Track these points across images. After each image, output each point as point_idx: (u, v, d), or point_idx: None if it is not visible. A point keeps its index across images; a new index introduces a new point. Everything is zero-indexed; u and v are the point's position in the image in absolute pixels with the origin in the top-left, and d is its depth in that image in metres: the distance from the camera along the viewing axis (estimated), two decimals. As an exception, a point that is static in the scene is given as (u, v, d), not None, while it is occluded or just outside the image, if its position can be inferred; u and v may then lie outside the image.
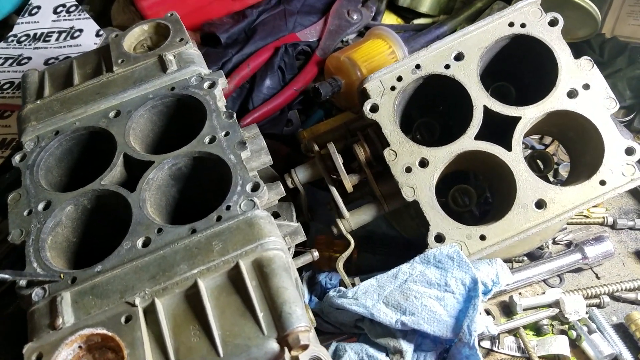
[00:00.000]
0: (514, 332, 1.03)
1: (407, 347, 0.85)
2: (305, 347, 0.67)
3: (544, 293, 1.08)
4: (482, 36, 0.95)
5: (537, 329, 1.03)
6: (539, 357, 0.98)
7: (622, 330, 1.01)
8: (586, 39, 1.38)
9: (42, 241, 0.81)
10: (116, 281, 0.73)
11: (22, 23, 1.50)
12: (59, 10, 1.51)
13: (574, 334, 1.00)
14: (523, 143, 1.19)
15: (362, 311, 0.87)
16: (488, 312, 1.03)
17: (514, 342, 1.02)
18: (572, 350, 0.99)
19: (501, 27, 0.95)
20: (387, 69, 0.96)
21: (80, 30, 1.46)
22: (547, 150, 1.22)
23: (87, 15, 1.49)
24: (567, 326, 1.03)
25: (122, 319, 0.69)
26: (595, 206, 1.19)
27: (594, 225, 1.18)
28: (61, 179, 0.97)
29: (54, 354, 0.67)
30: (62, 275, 0.75)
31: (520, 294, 1.08)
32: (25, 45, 1.46)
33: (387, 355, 0.86)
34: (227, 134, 0.89)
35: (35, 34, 1.48)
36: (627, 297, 1.05)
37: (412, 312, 0.83)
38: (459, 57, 0.95)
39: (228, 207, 0.80)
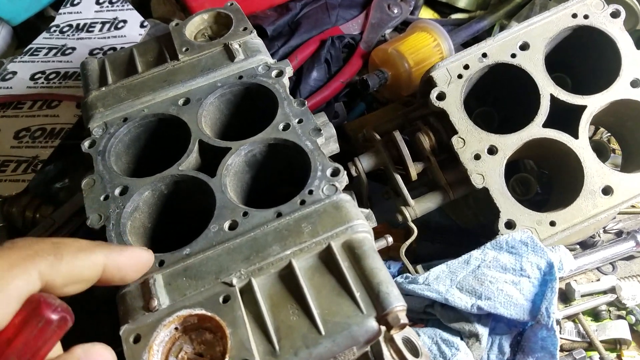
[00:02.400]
0: (572, 318, 1.05)
1: (483, 331, 0.86)
2: (404, 326, 0.67)
3: (598, 280, 1.10)
4: (546, 27, 0.97)
5: (595, 315, 1.05)
6: (600, 341, 1.00)
7: (679, 315, 1.04)
8: (626, 33, 1.40)
9: (123, 225, 0.81)
10: (209, 262, 0.74)
11: (64, 13, 1.50)
12: (101, 1, 1.51)
13: (632, 318, 1.02)
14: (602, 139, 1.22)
15: (435, 296, 0.88)
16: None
17: (574, 328, 1.04)
18: (633, 335, 1.01)
19: (565, 18, 0.97)
20: (454, 58, 0.97)
21: (124, 21, 1.46)
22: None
23: (131, 7, 1.49)
24: (624, 312, 1.05)
25: (220, 299, 0.69)
26: (642, 196, 1.22)
27: (643, 215, 1.20)
28: (129, 166, 0.97)
29: (152, 335, 0.67)
30: (150, 258, 0.75)
31: (575, 281, 1.10)
32: (68, 35, 1.46)
33: (461, 339, 0.87)
34: (300, 121, 0.90)
35: (78, 25, 1.48)
36: (682, 284, 1.07)
37: (488, 297, 0.85)
38: (524, 46, 0.97)
39: (310, 192, 0.80)
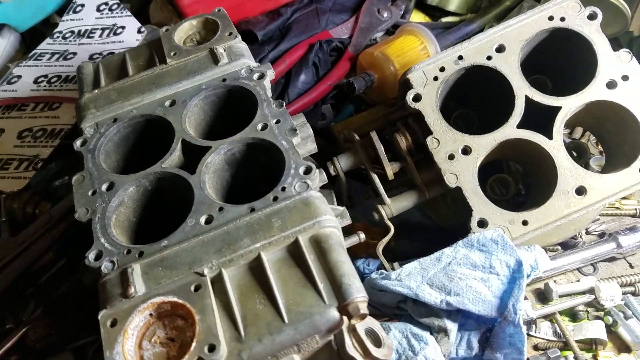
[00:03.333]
0: (549, 317, 1.06)
1: (452, 326, 0.88)
2: (364, 316, 0.71)
3: (578, 281, 1.11)
4: (522, 29, 0.99)
5: (572, 315, 1.06)
6: (576, 341, 1.01)
7: (657, 316, 1.04)
8: (614, 36, 1.41)
9: (107, 219, 0.86)
10: (184, 254, 0.77)
11: (67, 20, 1.57)
12: (101, 8, 1.57)
13: (610, 319, 1.03)
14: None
15: (406, 292, 0.90)
16: (525, 299, 1.06)
17: (550, 327, 1.05)
18: (609, 336, 1.02)
19: (541, 21, 0.99)
20: (430, 60, 1.00)
21: (123, 27, 1.52)
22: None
23: (129, 13, 1.55)
24: (602, 312, 1.05)
25: (192, 288, 0.73)
26: (625, 198, 1.23)
27: (626, 217, 1.21)
28: (118, 164, 1.02)
29: (128, 320, 0.71)
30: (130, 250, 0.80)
31: (555, 281, 1.11)
32: (70, 41, 1.52)
33: (431, 334, 0.90)
34: (278, 121, 0.94)
35: (79, 31, 1.54)
36: (661, 285, 1.08)
37: (457, 293, 0.87)
38: (500, 49, 0.99)
39: (283, 189, 0.84)
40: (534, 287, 1.11)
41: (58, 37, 1.54)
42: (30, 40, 1.67)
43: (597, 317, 1.05)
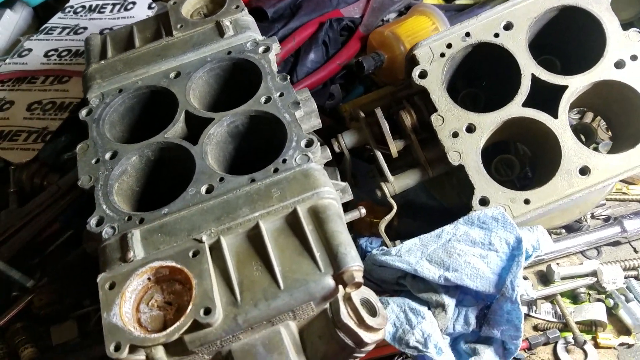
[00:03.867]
0: (551, 299, 1.06)
1: (449, 302, 0.88)
2: (359, 285, 0.71)
3: (581, 264, 1.10)
4: (531, 7, 0.98)
5: (573, 297, 1.06)
6: (576, 322, 1.01)
7: (660, 301, 1.03)
8: (629, 21, 1.38)
9: (109, 186, 0.87)
10: (183, 221, 0.78)
11: (79, -5, 1.58)
12: (113, -17, 1.58)
13: (611, 302, 1.02)
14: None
15: (405, 267, 0.90)
16: (525, 279, 1.06)
17: (551, 309, 1.04)
18: (609, 318, 1.01)
19: (550, -2, 0.97)
20: (437, 36, 0.99)
21: (134, 3, 1.52)
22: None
23: (140, -11, 1.55)
24: (604, 295, 1.05)
25: (190, 254, 0.74)
26: (633, 184, 1.21)
27: (633, 202, 1.19)
28: (123, 134, 1.02)
29: (126, 283, 0.72)
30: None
31: (557, 264, 1.10)
32: (81, 15, 1.53)
33: (429, 308, 0.90)
34: (281, 94, 0.94)
35: (90, 6, 1.55)
36: (665, 270, 1.06)
37: (456, 269, 0.87)
38: (508, 26, 0.98)
39: (284, 161, 0.84)
40: (536, 269, 1.11)
41: (69, 11, 1.55)
42: (42, 14, 1.68)
43: (599, 300, 1.04)
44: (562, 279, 1.07)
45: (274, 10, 1.47)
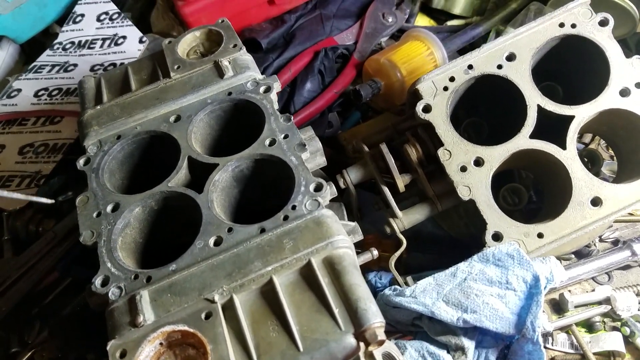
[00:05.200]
0: (565, 329, 1.04)
1: (469, 344, 0.86)
2: (381, 343, 0.68)
3: (593, 290, 1.09)
4: (533, 37, 0.97)
5: (589, 326, 1.04)
6: (594, 353, 0.99)
7: (676, 327, 1.02)
8: (622, 38, 1.39)
9: (113, 242, 0.84)
10: (193, 279, 0.75)
11: (67, 31, 1.55)
12: (102, 18, 1.55)
13: (627, 330, 1.01)
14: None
15: (421, 309, 0.88)
16: (543, 312, 1.05)
17: (567, 339, 1.03)
18: (626, 347, 1.00)
19: (552, 28, 0.97)
20: (439, 70, 0.98)
21: (124, 37, 1.50)
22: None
23: (130, 23, 1.53)
24: (619, 323, 1.03)
25: (203, 316, 0.71)
26: None
27: (640, 223, 1.19)
28: (122, 182, 1.00)
29: (137, 350, 0.69)
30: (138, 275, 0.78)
31: (569, 291, 1.09)
32: (70, 52, 1.50)
33: (448, 352, 0.88)
34: (286, 136, 0.92)
35: (80, 42, 1.52)
36: (679, 293, 1.06)
37: (474, 310, 0.85)
38: (510, 57, 0.97)
39: (294, 207, 0.82)
40: (548, 297, 1.09)
41: (58, 48, 1.51)
42: (30, 51, 1.64)
43: (614, 328, 1.03)
44: (576, 307, 1.05)
45: (268, 40, 1.45)
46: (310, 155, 0.94)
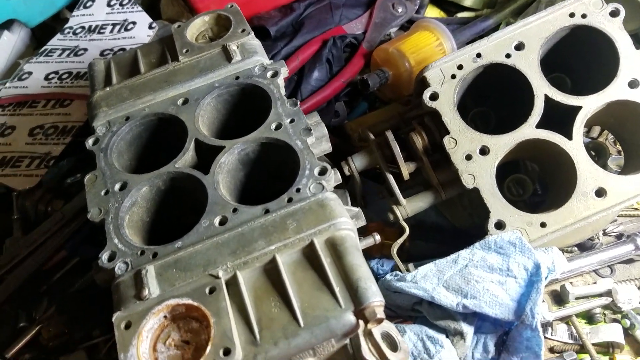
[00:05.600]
0: (566, 320, 1.05)
1: (468, 329, 0.87)
2: (380, 321, 0.70)
3: (595, 283, 1.09)
4: (542, 26, 0.97)
5: (589, 318, 1.05)
6: (592, 344, 1.00)
7: (677, 320, 1.02)
8: (634, 32, 1.38)
9: (120, 219, 0.85)
10: (198, 256, 0.77)
11: (77, 16, 1.56)
12: (112, 3, 1.56)
13: (627, 322, 1.01)
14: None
15: (421, 294, 0.89)
16: (542, 302, 1.05)
17: (567, 330, 1.03)
18: (625, 339, 1.00)
19: (562, 18, 0.97)
20: (448, 58, 0.98)
21: (134, 23, 1.51)
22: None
23: (140, 8, 1.54)
24: (619, 315, 1.04)
25: (207, 290, 0.72)
26: (645, 199, 1.20)
27: (645, 218, 1.19)
28: (130, 163, 1.01)
29: (142, 322, 0.71)
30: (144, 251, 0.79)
31: (571, 283, 1.09)
32: (80, 37, 1.52)
33: (447, 336, 0.88)
34: (292, 121, 0.93)
35: (90, 26, 1.53)
36: (681, 287, 1.06)
37: (474, 296, 0.86)
38: (519, 46, 0.97)
39: (298, 190, 0.83)
40: (550, 288, 1.10)
41: (69, 32, 1.53)
42: (40, 35, 1.66)
43: (614, 320, 1.03)
44: (577, 299, 1.06)
45: (276, 28, 1.46)
46: (316, 141, 0.94)
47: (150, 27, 1.51)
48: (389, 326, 0.75)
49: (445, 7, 1.67)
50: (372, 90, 1.36)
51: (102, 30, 1.52)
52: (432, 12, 1.67)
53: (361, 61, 1.45)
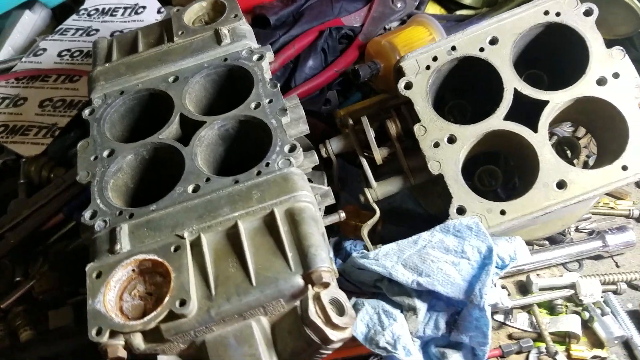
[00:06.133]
0: (528, 309, 1.08)
1: (421, 306, 0.92)
2: (326, 285, 0.75)
3: (561, 276, 1.12)
4: (517, 23, 1.00)
5: (551, 308, 1.08)
6: (550, 333, 1.03)
7: (637, 317, 1.05)
8: (628, 36, 1.40)
9: (105, 182, 0.92)
10: (168, 218, 0.83)
11: (93, -2, 1.66)
12: (125, -13, 1.65)
13: (586, 315, 1.04)
14: (555, 134, 1.25)
15: (381, 271, 0.94)
16: (503, 288, 1.09)
17: (527, 319, 1.07)
18: (584, 331, 1.03)
19: (536, 15, 1.00)
20: (424, 49, 1.02)
21: (144, 7, 1.59)
22: (580, 141, 1.25)
23: (151, -6, 1.62)
24: (580, 308, 1.07)
25: (172, 249, 0.79)
26: (621, 198, 1.22)
27: (619, 217, 1.20)
28: (122, 134, 1.08)
29: (111, 273, 0.78)
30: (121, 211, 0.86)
31: (538, 275, 1.12)
32: (94, 18, 1.61)
33: (401, 312, 0.93)
34: (270, 101, 0.98)
35: (103, 9, 1.62)
36: (644, 285, 1.08)
37: (428, 274, 0.90)
38: (493, 41, 1.01)
39: (267, 164, 0.89)
40: (516, 278, 1.13)
41: (83, 14, 1.62)
42: (60, 15, 1.76)
43: (575, 312, 1.06)
44: (541, 289, 1.09)
45: (277, 17, 1.52)
46: (293, 122, 1.00)
47: (158, 12, 1.59)
48: (338, 293, 0.80)
49: (446, 4, 1.70)
50: (362, 81, 1.40)
51: (114, 13, 1.61)
52: (433, 8, 1.70)
53: (355, 52, 1.50)
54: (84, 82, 1.45)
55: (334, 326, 0.76)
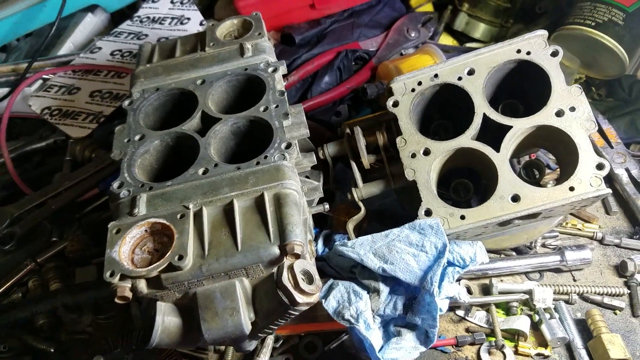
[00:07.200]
0: (486, 307, 1.21)
1: (384, 289, 1.07)
2: (297, 256, 0.92)
3: (522, 283, 1.24)
4: (492, 57, 1.16)
5: (507, 309, 1.21)
6: (502, 330, 1.16)
7: (583, 325, 1.16)
8: (615, 77, 1.52)
9: (133, 160, 1.13)
10: (179, 192, 1.02)
11: (146, 7, 1.90)
12: (174, 1, 1.89)
13: (536, 317, 1.16)
14: (537, 159, 1.38)
15: (355, 257, 1.10)
16: (467, 287, 1.23)
17: (485, 316, 1.20)
18: (532, 331, 1.16)
19: (509, 52, 1.15)
20: (411, 74, 1.19)
21: (188, 19, 1.82)
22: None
23: (196, 8, 1.85)
24: (533, 311, 1.19)
25: (178, 216, 0.98)
26: (588, 222, 1.34)
27: (584, 238, 1.32)
28: (153, 123, 1.29)
29: (128, 230, 0.97)
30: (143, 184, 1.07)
31: (501, 280, 1.26)
32: (145, 25, 1.85)
33: (368, 293, 1.09)
34: (277, 106, 1.17)
35: (154, 17, 1.86)
36: (594, 298, 1.19)
37: (392, 262, 1.06)
38: (471, 72, 1.16)
39: (265, 157, 1.07)
40: (481, 282, 1.27)
41: (136, 20, 1.87)
42: (117, 20, 2.02)
43: (528, 315, 1.19)
44: (500, 292, 1.22)
45: (301, 37, 1.71)
46: (295, 125, 1.18)
47: (200, 24, 1.82)
48: (309, 266, 0.96)
49: (458, 37, 1.86)
50: (370, 98, 1.58)
51: (162, 22, 1.85)
52: (446, 39, 1.86)
53: (367, 73, 1.68)
54: (129, 79, 1.68)
55: (302, 291, 0.92)
